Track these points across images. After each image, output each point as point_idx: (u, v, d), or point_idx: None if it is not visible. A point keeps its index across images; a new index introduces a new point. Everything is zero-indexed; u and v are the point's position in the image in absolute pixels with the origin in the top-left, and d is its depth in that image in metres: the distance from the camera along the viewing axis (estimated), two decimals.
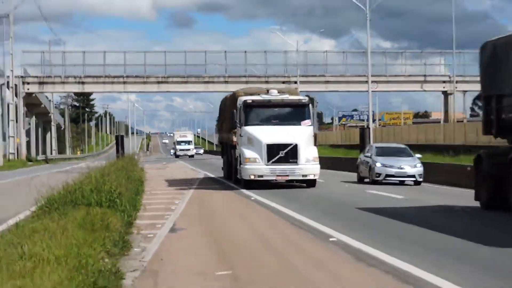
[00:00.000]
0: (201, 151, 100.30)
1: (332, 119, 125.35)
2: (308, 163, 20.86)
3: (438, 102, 66.03)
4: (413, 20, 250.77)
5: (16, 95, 56.43)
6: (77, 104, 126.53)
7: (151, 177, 28.74)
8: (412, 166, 23.76)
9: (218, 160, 44.05)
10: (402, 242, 10.27)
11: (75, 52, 61.22)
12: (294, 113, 21.74)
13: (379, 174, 23.80)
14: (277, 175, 20.83)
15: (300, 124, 21.42)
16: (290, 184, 21.93)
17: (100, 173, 15.29)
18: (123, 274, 7.58)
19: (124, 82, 57.55)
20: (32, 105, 66.31)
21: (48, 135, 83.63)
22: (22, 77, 57.15)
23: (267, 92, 22.55)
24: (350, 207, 15.58)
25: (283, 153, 20.62)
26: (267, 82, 52.18)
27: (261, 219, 13.83)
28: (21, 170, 43.60)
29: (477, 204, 15.04)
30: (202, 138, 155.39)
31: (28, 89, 57.59)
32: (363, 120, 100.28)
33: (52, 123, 79.35)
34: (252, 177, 20.77)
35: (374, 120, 70.06)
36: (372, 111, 48.91)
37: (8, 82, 55.57)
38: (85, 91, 69.69)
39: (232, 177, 23.72)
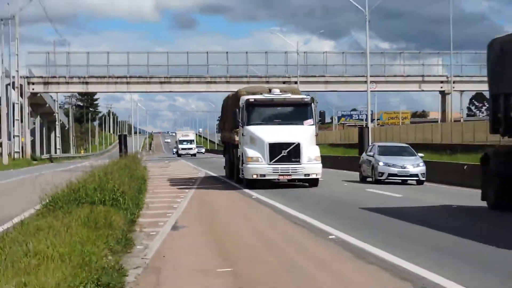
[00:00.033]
0: (203, 150, 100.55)
1: (331, 118, 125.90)
2: (311, 162, 20.83)
3: (436, 102, 66.56)
4: (412, 22, 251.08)
5: (21, 95, 56.79)
6: (81, 104, 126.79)
7: (153, 175, 28.85)
8: (414, 165, 23.70)
9: (220, 159, 44.19)
10: (403, 241, 10.22)
11: (79, 52, 61.83)
12: (297, 112, 21.70)
13: (382, 173, 23.76)
14: (280, 174, 20.78)
15: (302, 123, 21.39)
16: (292, 184, 21.95)
17: (104, 171, 15.38)
18: (126, 271, 7.68)
19: (128, 82, 57.90)
20: (37, 105, 66.59)
21: (52, 135, 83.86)
22: (27, 77, 57.54)
23: (270, 91, 22.54)
24: (351, 206, 15.55)
25: (286, 152, 20.61)
26: (267, 82, 52.52)
27: (263, 217, 13.87)
28: (26, 169, 43.81)
29: (484, 204, 14.70)
30: (203, 137, 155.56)
31: (33, 89, 58.00)
32: (362, 120, 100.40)
33: (57, 122, 79.63)
34: (255, 176, 20.75)
35: (372, 120, 70.39)
36: (371, 111, 49.20)
37: (13, 82, 55.92)
38: (89, 91, 70.07)
39: (234, 176, 23.68)
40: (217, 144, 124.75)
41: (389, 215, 13.54)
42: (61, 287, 5.95)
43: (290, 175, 20.92)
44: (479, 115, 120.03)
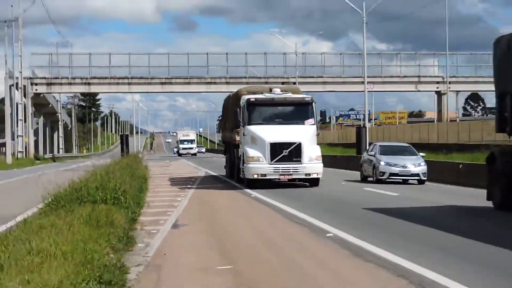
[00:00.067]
0: (203, 149, 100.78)
1: (329, 118, 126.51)
2: (312, 162, 20.79)
3: (432, 102, 67.02)
4: (408, 23, 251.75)
5: (24, 96, 57.17)
6: (84, 104, 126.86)
7: (154, 174, 28.95)
8: (416, 164, 23.66)
9: (220, 159, 44.29)
10: (407, 241, 10.10)
11: (82, 54, 61.84)
12: (297, 111, 21.66)
13: (383, 173, 23.70)
14: (281, 174, 20.75)
15: (303, 123, 21.37)
16: (292, 183, 21.95)
17: (105, 171, 15.50)
18: (128, 269, 7.78)
19: (129, 83, 58.20)
20: (40, 105, 66.81)
21: (55, 134, 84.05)
22: (30, 78, 57.90)
23: (270, 90, 22.52)
24: (352, 206, 15.56)
25: (287, 152, 20.60)
26: (266, 82, 52.83)
27: (263, 216, 13.91)
28: (29, 168, 43.99)
29: (489, 204, 14.45)
30: (204, 137, 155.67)
31: (36, 89, 58.37)
32: (359, 120, 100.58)
33: (60, 122, 79.76)
34: (256, 176, 20.72)
35: (370, 120, 70.90)
36: (368, 111, 49.48)
37: (17, 83, 56.27)
38: (91, 91, 70.30)
39: (235, 176, 23.67)
40: (217, 143, 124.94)
41: (392, 214, 13.42)
42: (64, 284, 6.03)
43: (291, 174, 20.88)
44: (474, 115, 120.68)
